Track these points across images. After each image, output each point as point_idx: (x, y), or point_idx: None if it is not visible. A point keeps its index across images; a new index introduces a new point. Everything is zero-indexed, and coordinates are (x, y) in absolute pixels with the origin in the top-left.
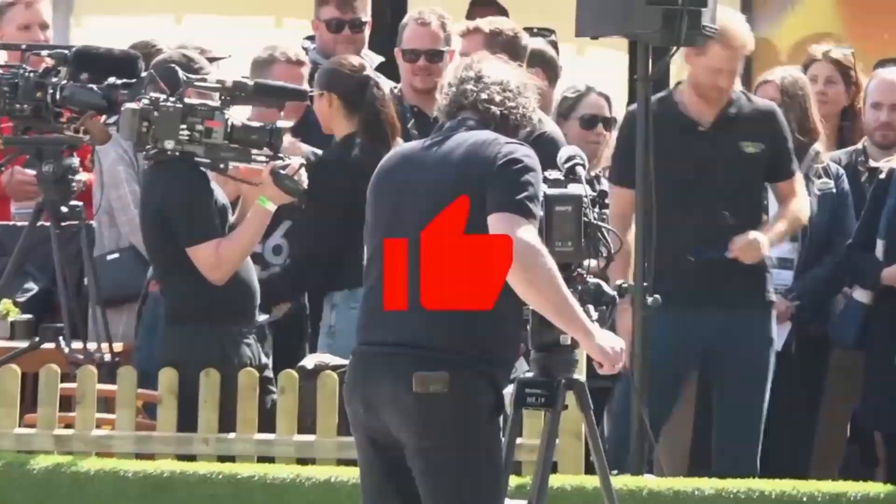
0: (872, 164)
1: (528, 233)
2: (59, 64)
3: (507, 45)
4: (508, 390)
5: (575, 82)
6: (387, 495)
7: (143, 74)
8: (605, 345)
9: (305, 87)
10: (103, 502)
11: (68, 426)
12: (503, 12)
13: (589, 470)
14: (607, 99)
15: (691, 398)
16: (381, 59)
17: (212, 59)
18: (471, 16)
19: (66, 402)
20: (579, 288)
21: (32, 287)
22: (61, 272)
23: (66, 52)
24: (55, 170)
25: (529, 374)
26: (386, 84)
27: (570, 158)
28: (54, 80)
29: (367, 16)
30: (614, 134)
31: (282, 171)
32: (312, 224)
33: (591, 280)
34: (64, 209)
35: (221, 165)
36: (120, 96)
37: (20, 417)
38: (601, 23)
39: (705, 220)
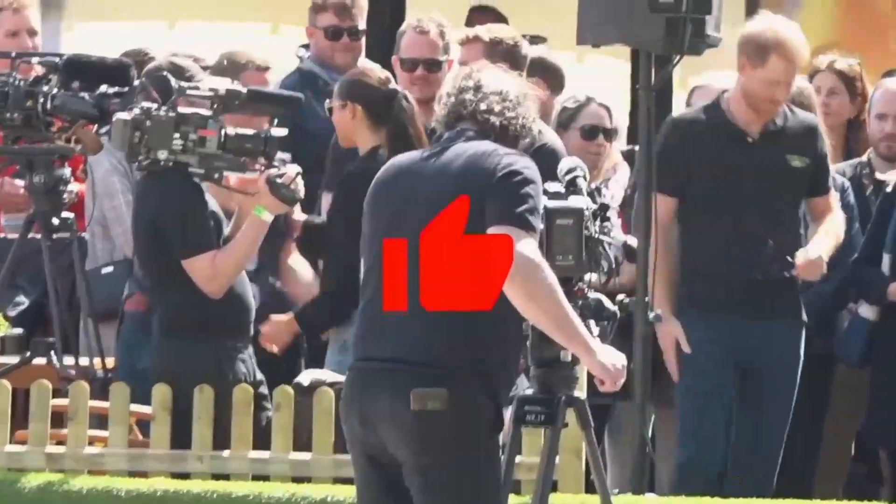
0: (878, 176)
1: (528, 246)
2: (50, 72)
3: (507, 54)
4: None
5: (574, 92)
6: None
7: (136, 83)
8: (606, 361)
9: (299, 94)
10: None
11: (60, 443)
12: (502, 19)
13: (589, 489)
14: (608, 109)
15: None
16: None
17: (205, 68)
18: (470, 22)
19: (58, 419)
20: (580, 303)
21: (23, 300)
22: (53, 285)
23: (57, 59)
24: (46, 180)
25: (529, 391)
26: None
27: (570, 170)
28: (45, 88)
29: (363, 24)
30: (615, 145)
31: (278, 180)
32: (345, 244)
33: (592, 295)
34: (55, 220)
35: (216, 175)
36: (112, 105)
37: (11, 434)
38: (603, 30)
39: (737, 229)
